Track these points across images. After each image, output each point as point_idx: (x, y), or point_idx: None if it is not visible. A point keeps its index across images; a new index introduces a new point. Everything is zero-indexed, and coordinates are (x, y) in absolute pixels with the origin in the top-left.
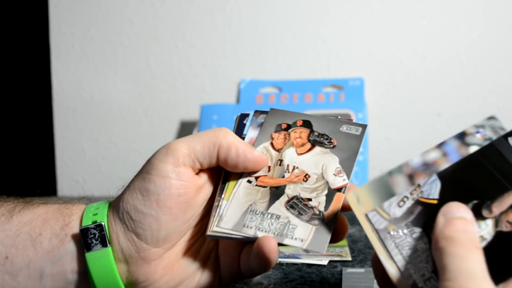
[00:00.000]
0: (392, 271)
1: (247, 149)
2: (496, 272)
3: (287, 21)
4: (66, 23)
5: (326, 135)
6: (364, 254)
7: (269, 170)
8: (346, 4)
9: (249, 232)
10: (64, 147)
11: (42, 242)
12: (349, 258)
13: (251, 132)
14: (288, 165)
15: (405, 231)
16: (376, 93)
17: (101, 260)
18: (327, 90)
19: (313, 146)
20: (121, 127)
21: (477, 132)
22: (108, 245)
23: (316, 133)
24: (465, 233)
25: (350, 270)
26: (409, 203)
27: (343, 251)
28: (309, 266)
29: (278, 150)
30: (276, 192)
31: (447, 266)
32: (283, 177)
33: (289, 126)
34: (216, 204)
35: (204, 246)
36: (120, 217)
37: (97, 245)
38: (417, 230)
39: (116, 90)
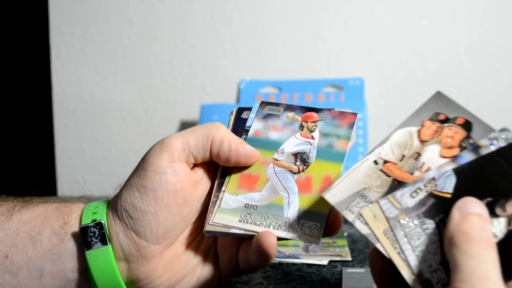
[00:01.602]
0: (398, 260)
1: (239, 144)
2: (506, 270)
3: (287, 21)
4: (66, 23)
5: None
6: (364, 254)
7: (401, 159)
8: (346, 4)
9: (349, 217)
10: (64, 147)
11: (42, 240)
12: (349, 258)
13: (256, 124)
14: (423, 163)
15: (416, 221)
16: (376, 93)
17: (101, 258)
18: (327, 90)
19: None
20: (121, 127)
21: (491, 144)
22: (108, 243)
23: (471, 141)
24: (482, 230)
25: (350, 270)
26: (422, 194)
27: (343, 251)
28: (309, 266)
29: (422, 142)
30: (397, 187)
31: (462, 266)
32: (412, 173)
33: (447, 120)
34: (214, 199)
35: (203, 243)
36: (118, 215)
37: (97, 243)
38: (428, 222)
39: (116, 90)
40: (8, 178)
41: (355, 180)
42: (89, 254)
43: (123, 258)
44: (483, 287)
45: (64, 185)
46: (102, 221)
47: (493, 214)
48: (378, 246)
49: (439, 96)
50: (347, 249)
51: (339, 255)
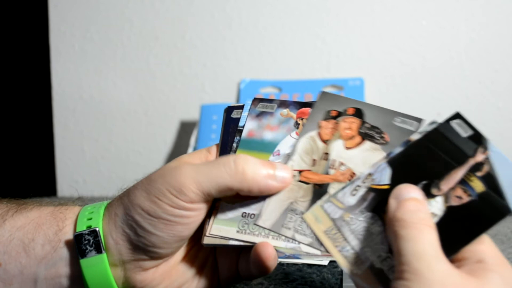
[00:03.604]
0: (343, 261)
1: (270, 183)
2: (449, 244)
3: (287, 21)
4: (66, 23)
5: (378, 129)
6: None
7: (314, 164)
8: (346, 4)
9: (287, 234)
10: (64, 147)
11: (35, 248)
12: None
13: (250, 123)
14: (334, 161)
15: (360, 217)
16: (376, 93)
17: (96, 266)
18: (327, 90)
19: (363, 140)
20: (121, 127)
21: None
22: (103, 251)
23: (367, 125)
24: (417, 213)
25: None
26: (362, 191)
27: None
28: (309, 267)
29: (325, 141)
30: (319, 191)
31: (401, 250)
32: (328, 173)
33: (339, 114)
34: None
35: (202, 250)
36: (122, 226)
37: (92, 251)
38: (371, 215)
39: (116, 90)
40: (8, 178)
41: (280, 199)
42: (83, 262)
43: (120, 265)
44: (420, 263)
45: (64, 185)
46: (97, 229)
47: (430, 195)
48: (322, 249)
49: (324, 95)
50: None
51: None
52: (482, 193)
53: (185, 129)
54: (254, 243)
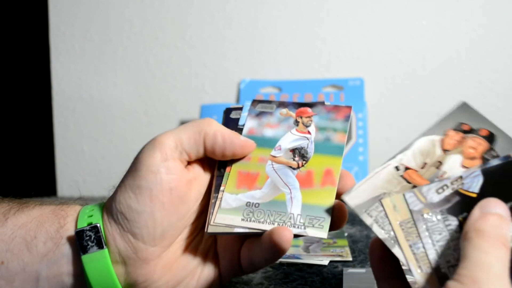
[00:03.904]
0: (411, 257)
1: (233, 135)
2: None
3: (287, 21)
4: (66, 23)
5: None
6: (365, 254)
7: (423, 167)
8: (346, 4)
9: (367, 221)
10: (64, 147)
11: (37, 245)
12: (350, 258)
13: (250, 122)
14: (444, 172)
15: (439, 217)
16: (376, 93)
17: (97, 262)
18: (327, 90)
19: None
20: (121, 127)
21: None
22: (105, 246)
23: (494, 153)
24: (496, 228)
25: (351, 270)
26: (448, 191)
27: (344, 251)
28: (309, 267)
29: (444, 151)
30: None
31: (468, 256)
32: (433, 182)
33: (471, 131)
34: (213, 201)
35: (202, 244)
36: (114, 218)
37: (93, 247)
38: (451, 218)
39: (116, 90)
40: (8, 178)
41: (375, 184)
42: (85, 258)
43: (121, 261)
44: (483, 274)
45: (64, 185)
46: (98, 225)
47: None
48: (394, 251)
49: (464, 106)
50: (347, 249)
51: (339, 255)
52: None
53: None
54: (262, 230)
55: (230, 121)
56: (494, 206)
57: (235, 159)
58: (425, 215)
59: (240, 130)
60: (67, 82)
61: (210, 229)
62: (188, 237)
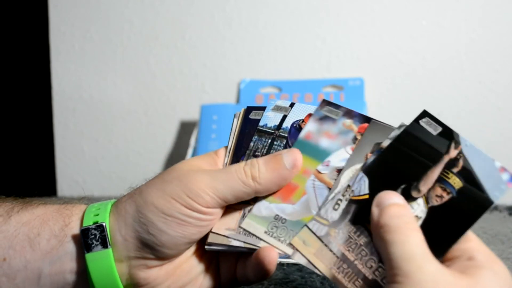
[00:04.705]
0: (335, 278)
1: (284, 174)
2: (437, 245)
3: (287, 21)
4: (66, 23)
5: None
6: None
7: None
8: (346, 4)
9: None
10: (64, 147)
11: (40, 242)
12: None
13: (311, 125)
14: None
15: (345, 231)
16: (376, 93)
17: (101, 261)
18: (327, 90)
19: None
20: (121, 127)
21: None
22: (109, 246)
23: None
24: (400, 217)
25: None
26: (343, 204)
27: None
28: None
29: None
30: None
31: (389, 255)
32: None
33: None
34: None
35: (207, 252)
36: (132, 223)
37: (98, 246)
38: (357, 227)
39: (116, 90)
40: (8, 178)
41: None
42: (89, 256)
43: (125, 261)
44: (410, 265)
45: (64, 185)
46: (104, 224)
47: (411, 198)
48: (316, 271)
49: (374, 124)
50: None
51: None
52: (461, 188)
53: (185, 129)
54: (257, 247)
55: (249, 121)
56: (387, 198)
57: None
58: (333, 234)
59: (259, 132)
60: (67, 82)
61: (210, 238)
62: (194, 245)
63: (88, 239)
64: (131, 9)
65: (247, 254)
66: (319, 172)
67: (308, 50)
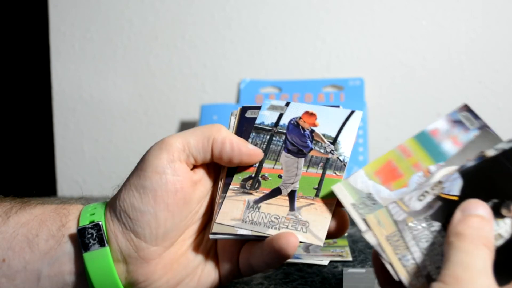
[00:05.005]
0: (402, 271)
1: (241, 143)
2: (506, 270)
3: (287, 21)
4: (66, 23)
5: None
6: (365, 254)
7: None
8: (346, 4)
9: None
10: (64, 147)
11: (39, 243)
12: (350, 258)
13: (442, 123)
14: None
15: (424, 224)
16: (376, 93)
17: (99, 260)
18: (327, 90)
19: None
20: (121, 127)
21: None
22: (106, 244)
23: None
24: (478, 230)
25: (351, 270)
26: (429, 197)
27: (344, 251)
28: (309, 267)
29: None
30: None
31: (449, 257)
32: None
33: None
34: (220, 201)
35: (203, 244)
36: (117, 216)
37: (95, 245)
38: (436, 224)
39: (116, 90)
40: (8, 178)
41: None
42: (86, 256)
43: (122, 260)
44: (464, 272)
45: (63, 185)
46: (100, 223)
47: (498, 215)
48: (385, 264)
49: (484, 132)
50: (347, 249)
51: (339, 255)
52: None
53: (185, 129)
54: (266, 235)
55: (245, 120)
56: (474, 207)
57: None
58: (410, 224)
59: (256, 129)
60: (67, 82)
61: (215, 228)
62: (190, 238)
63: (85, 238)
64: (131, 9)
65: (252, 244)
66: (429, 172)
67: (308, 50)
